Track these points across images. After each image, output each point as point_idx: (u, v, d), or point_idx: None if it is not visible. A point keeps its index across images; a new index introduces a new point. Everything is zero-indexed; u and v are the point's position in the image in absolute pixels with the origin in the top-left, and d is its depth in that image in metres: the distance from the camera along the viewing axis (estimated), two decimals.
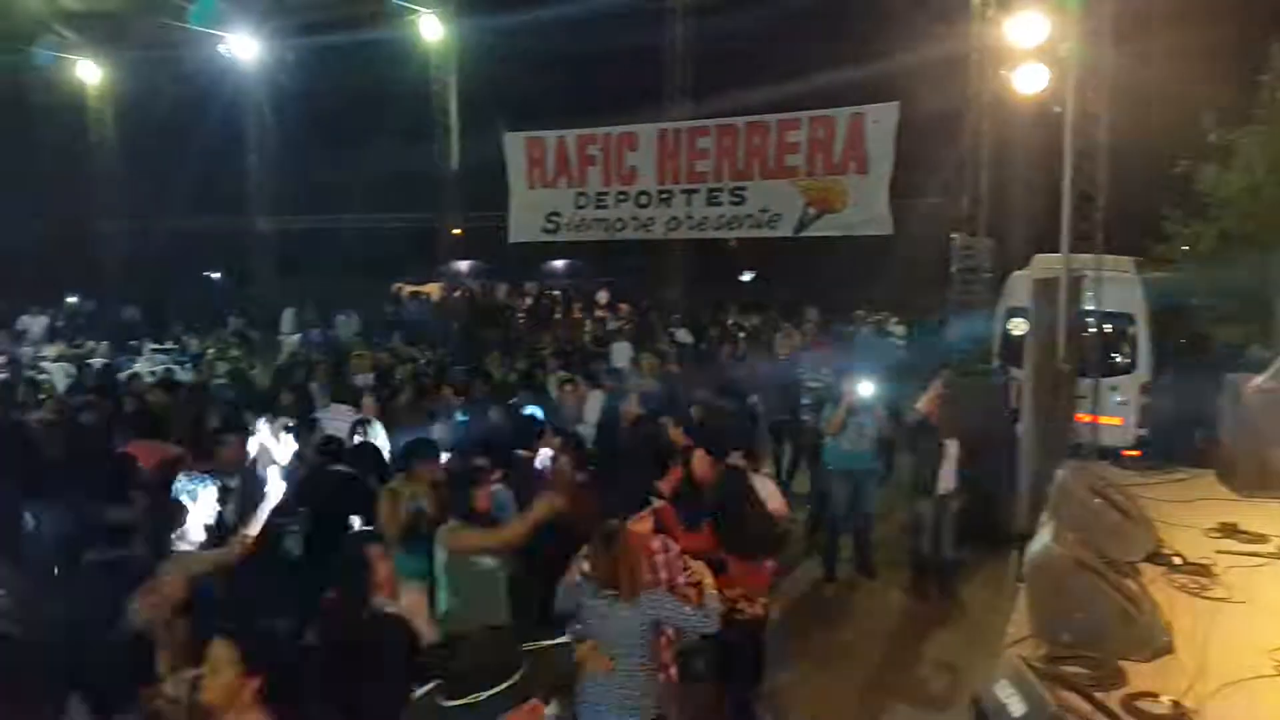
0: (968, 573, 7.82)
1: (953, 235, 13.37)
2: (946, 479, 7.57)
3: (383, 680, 3.50)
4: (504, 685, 2.48)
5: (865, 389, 7.82)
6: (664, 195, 16.54)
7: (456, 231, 20.20)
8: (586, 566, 4.41)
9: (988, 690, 2.54)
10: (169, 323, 19.90)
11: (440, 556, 4.81)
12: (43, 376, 12.72)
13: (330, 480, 5.95)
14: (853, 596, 7.74)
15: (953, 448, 7.59)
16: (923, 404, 7.70)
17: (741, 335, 16.51)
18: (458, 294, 20.81)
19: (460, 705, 2.46)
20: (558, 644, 2.54)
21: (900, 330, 15.62)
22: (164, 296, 21.92)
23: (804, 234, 15.87)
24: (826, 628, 7.11)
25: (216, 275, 27.69)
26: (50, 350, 16.57)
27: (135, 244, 22.64)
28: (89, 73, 21.07)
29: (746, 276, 25.85)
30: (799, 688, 5.96)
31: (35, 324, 17.60)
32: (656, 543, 4.69)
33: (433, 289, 21.64)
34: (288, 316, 19.58)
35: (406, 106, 19.65)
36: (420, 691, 2.62)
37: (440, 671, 2.55)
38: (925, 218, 15.21)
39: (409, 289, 22.60)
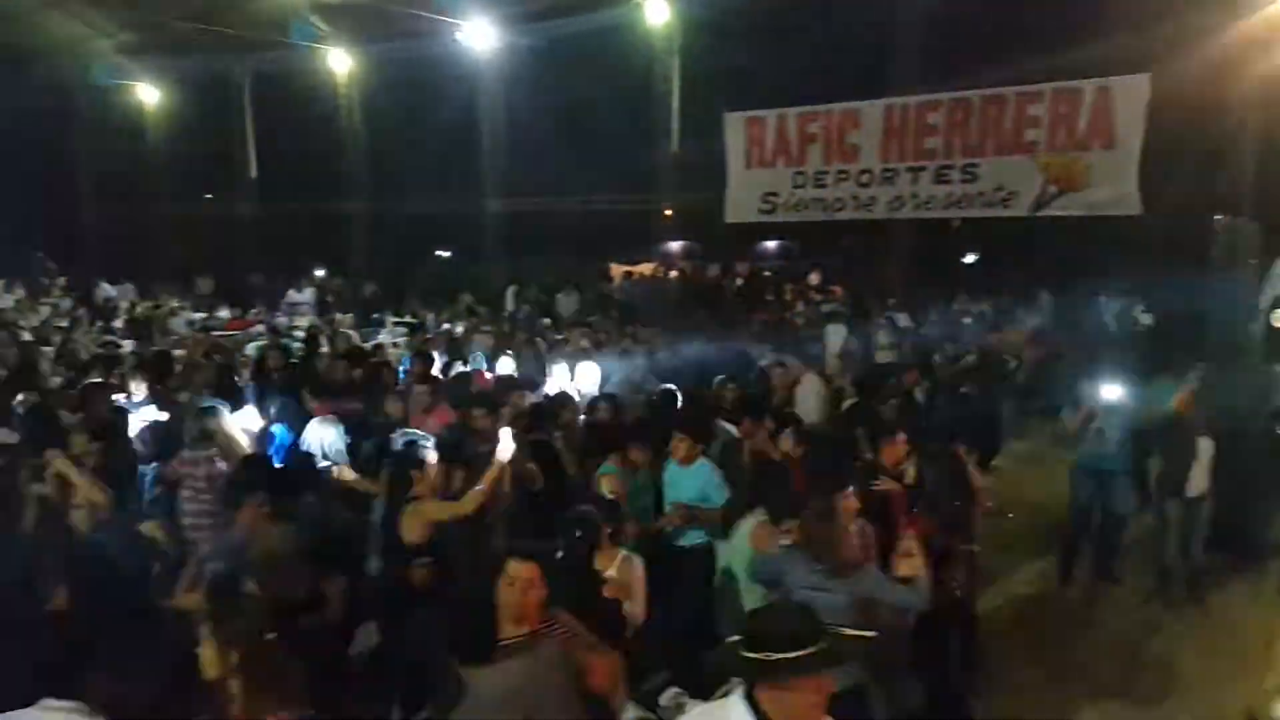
0: (1219, 582, 7.19)
1: (1216, 218, 12.18)
2: (1198, 480, 6.98)
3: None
4: (799, 652, 2.47)
5: (1109, 392, 7.28)
6: (887, 174, 15.99)
7: (668, 212, 20.43)
8: (789, 538, 4.43)
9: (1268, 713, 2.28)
10: (406, 298, 21.35)
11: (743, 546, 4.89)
12: (296, 345, 13.95)
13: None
14: (1089, 601, 7.25)
15: (1206, 447, 6.98)
16: (1176, 400, 7.10)
17: (967, 321, 15.86)
18: (670, 274, 21.05)
19: (757, 659, 2.49)
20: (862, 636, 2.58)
21: (1148, 319, 14.50)
22: (402, 273, 23.50)
23: (1041, 214, 14.92)
24: (1057, 632, 6.69)
25: (447, 254, 29.21)
26: (302, 321, 18.18)
27: (377, 224, 24.31)
28: (339, 62, 22.66)
29: (970, 258, 24.64)
30: (1023, 694, 5.64)
31: (303, 297, 19.23)
32: (855, 525, 4.63)
33: (645, 269, 21.97)
34: (510, 294, 20.53)
35: (629, 90, 20.03)
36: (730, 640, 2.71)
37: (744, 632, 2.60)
38: (1178, 198, 13.97)
39: (621, 268, 23.03)
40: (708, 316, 17.02)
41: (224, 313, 19.19)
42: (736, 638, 2.60)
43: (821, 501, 4.26)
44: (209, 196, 27.69)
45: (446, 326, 16.54)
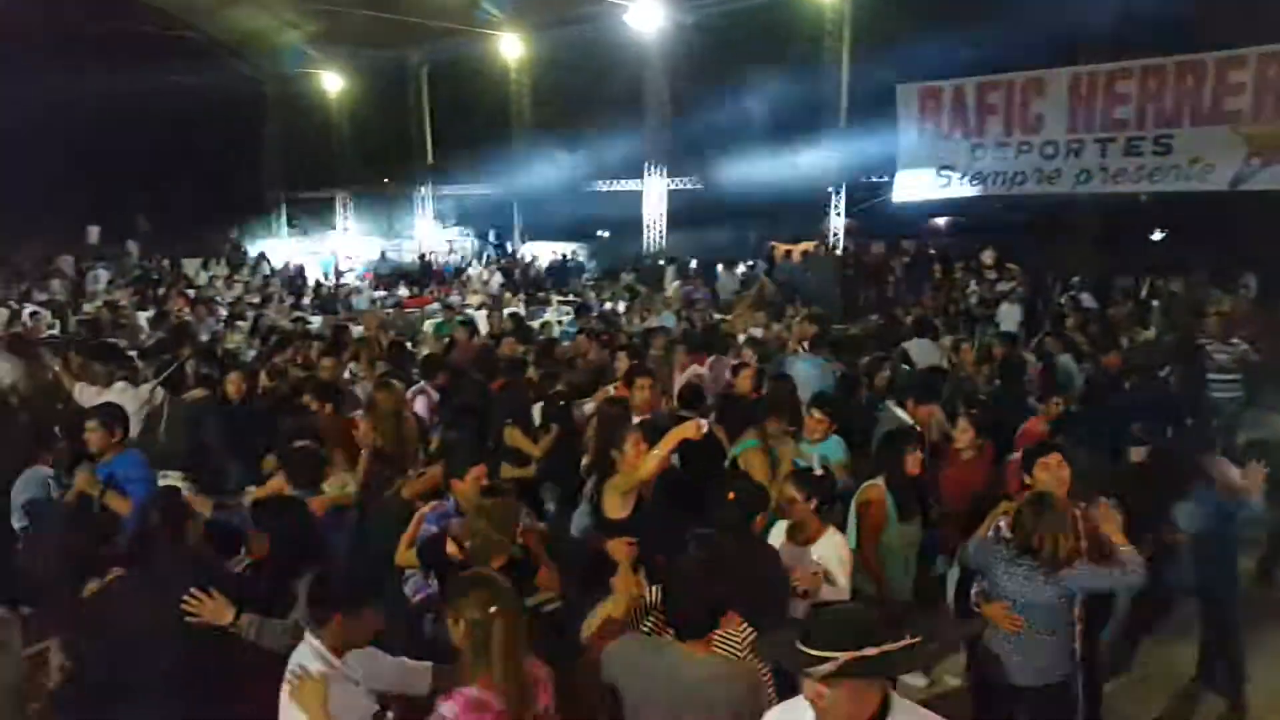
0: None
1: None
2: None
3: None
4: (844, 655, 2.38)
5: None
6: (1074, 145, 15.15)
7: (830, 189, 20.01)
8: (1004, 526, 4.27)
9: None
10: (570, 278, 21.83)
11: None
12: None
13: None
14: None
15: None
16: None
17: (1156, 304, 14.89)
18: (832, 251, 20.63)
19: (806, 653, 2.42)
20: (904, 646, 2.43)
21: None
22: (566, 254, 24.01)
23: (1242, 188, 13.83)
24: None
25: (606, 234, 29.62)
26: (473, 299, 18.84)
27: (545, 205, 24.84)
28: (511, 47, 23.21)
29: (1158, 235, 23.12)
30: None
31: (493, 280, 19.95)
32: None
33: (807, 246, 21.61)
34: (670, 272, 20.63)
35: (796, 64, 19.68)
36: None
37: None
38: None
39: (783, 247, 22.73)
40: (872, 296, 16.63)
41: (402, 290, 20.10)
42: (794, 631, 2.51)
43: (1035, 494, 4.11)
44: (386, 180, 29.00)
45: (609, 305, 16.80)
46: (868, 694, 2.42)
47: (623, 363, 8.22)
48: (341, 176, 28.70)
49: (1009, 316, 13.23)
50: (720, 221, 23.02)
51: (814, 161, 19.60)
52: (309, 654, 3.16)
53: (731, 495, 4.29)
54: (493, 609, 2.98)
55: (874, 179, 18.58)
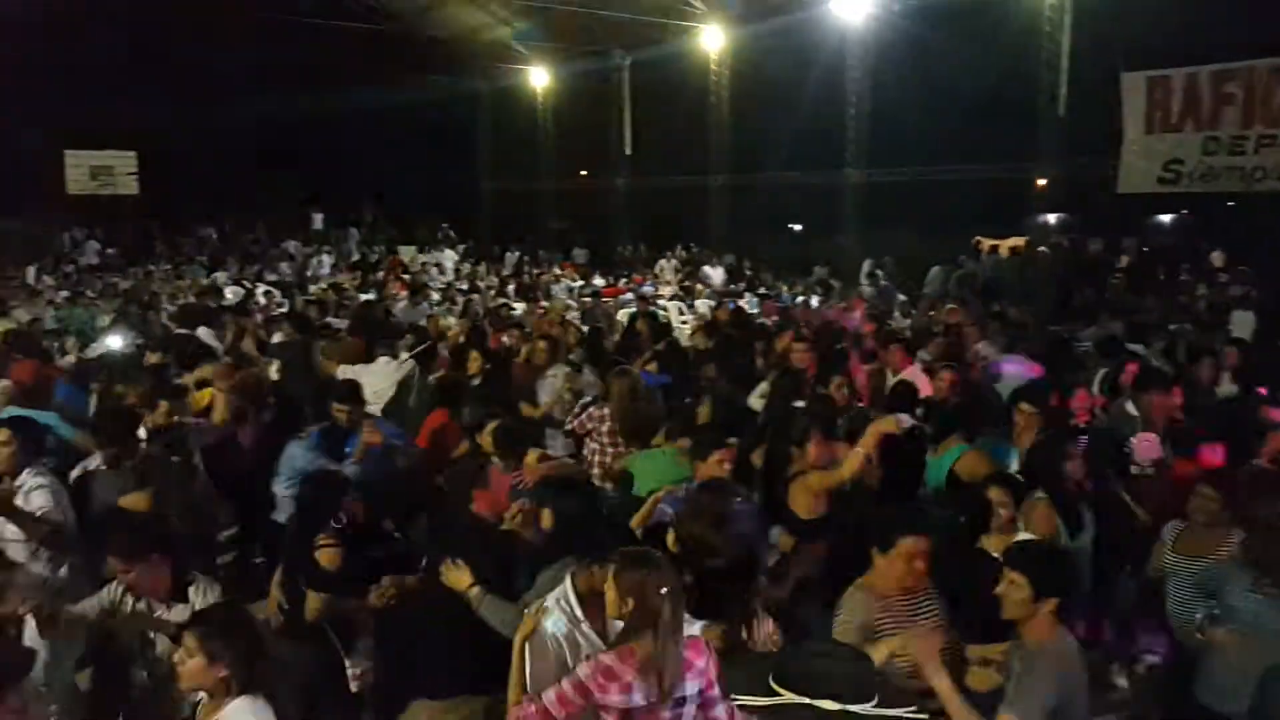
0: None
1: None
2: None
3: None
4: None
5: None
6: None
7: (1041, 183, 18.93)
8: (1239, 549, 3.98)
9: None
10: (761, 270, 21.71)
11: None
12: (661, 313, 14.71)
13: None
14: None
15: None
16: None
17: None
18: (1045, 248, 19.56)
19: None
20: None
21: None
22: (759, 246, 23.92)
23: None
24: None
25: (798, 227, 29.27)
26: (665, 290, 19.09)
27: (739, 197, 24.81)
28: (713, 39, 23.26)
29: None
30: None
31: (715, 273, 20.22)
32: None
33: (1017, 242, 20.58)
34: (866, 268, 20.17)
35: (1008, 51, 18.74)
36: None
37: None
38: None
39: (989, 242, 21.76)
40: (1089, 297, 15.66)
41: (598, 280, 20.60)
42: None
43: (1270, 516, 3.77)
44: (585, 173, 29.78)
45: (800, 299, 16.62)
46: None
47: (801, 357, 8.10)
48: (544, 169, 29.68)
49: (1243, 323, 12.18)
50: (922, 215, 22.28)
51: (1027, 153, 18.63)
52: (563, 622, 3.33)
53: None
54: (663, 590, 3.02)
55: (1093, 172, 17.45)
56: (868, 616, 3.52)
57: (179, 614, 3.93)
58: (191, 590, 4.06)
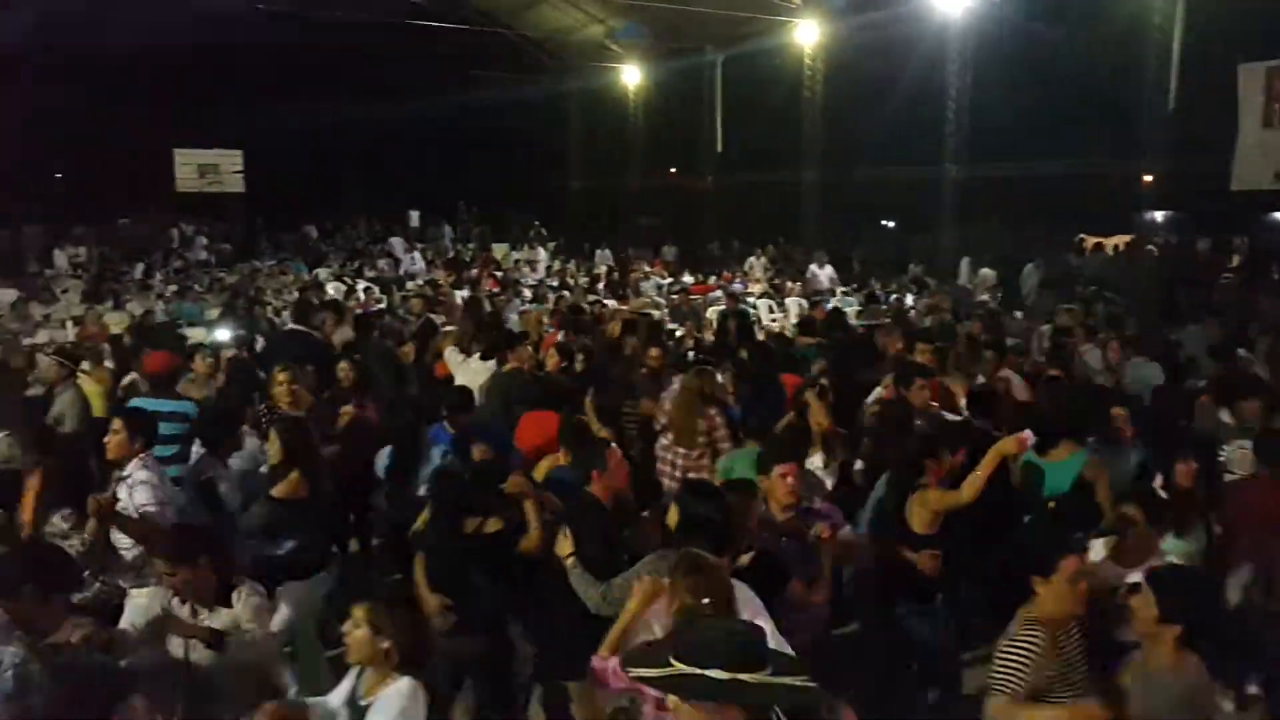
0: None
1: None
2: None
3: None
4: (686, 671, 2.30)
5: None
6: None
7: (1147, 179, 18.22)
8: None
9: None
10: (853, 268, 21.40)
11: None
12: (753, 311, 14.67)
13: None
14: None
15: None
16: None
17: None
18: (1149, 247, 18.85)
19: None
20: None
21: None
22: (853, 242, 23.56)
23: None
24: None
25: (891, 224, 28.77)
26: (755, 288, 18.98)
27: (831, 194, 24.46)
28: (807, 34, 22.93)
29: None
30: None
31: (822, 273, 20.13)
32: None
33: (1121, 240, 19.88)
34: (964, 266, 19.70)
35: (1115, 40, 18.06)
36: None
37: None
38: None
39: (1093, 241, 21.06)
40: (1196, 297, 15.06)
41: (687, 278, 20.57)
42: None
43: None
44: (673, 170, 29.76)
45: (895, 298, 16.33)
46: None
47: (925, 357, 7.93)
48: (633, 168, 29.74)
49: None
50: (1022, 211, 21.64)
51: (1134, 148, 17.95)
52: None
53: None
54: (706, 600, 3.14)
55: (1202, 168, 16.71)
56: (1044, 653, 3.46)
57: (222, 619, 3.94)
58: (235, 596, 4.01)
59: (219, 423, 5.91)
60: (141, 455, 4.93)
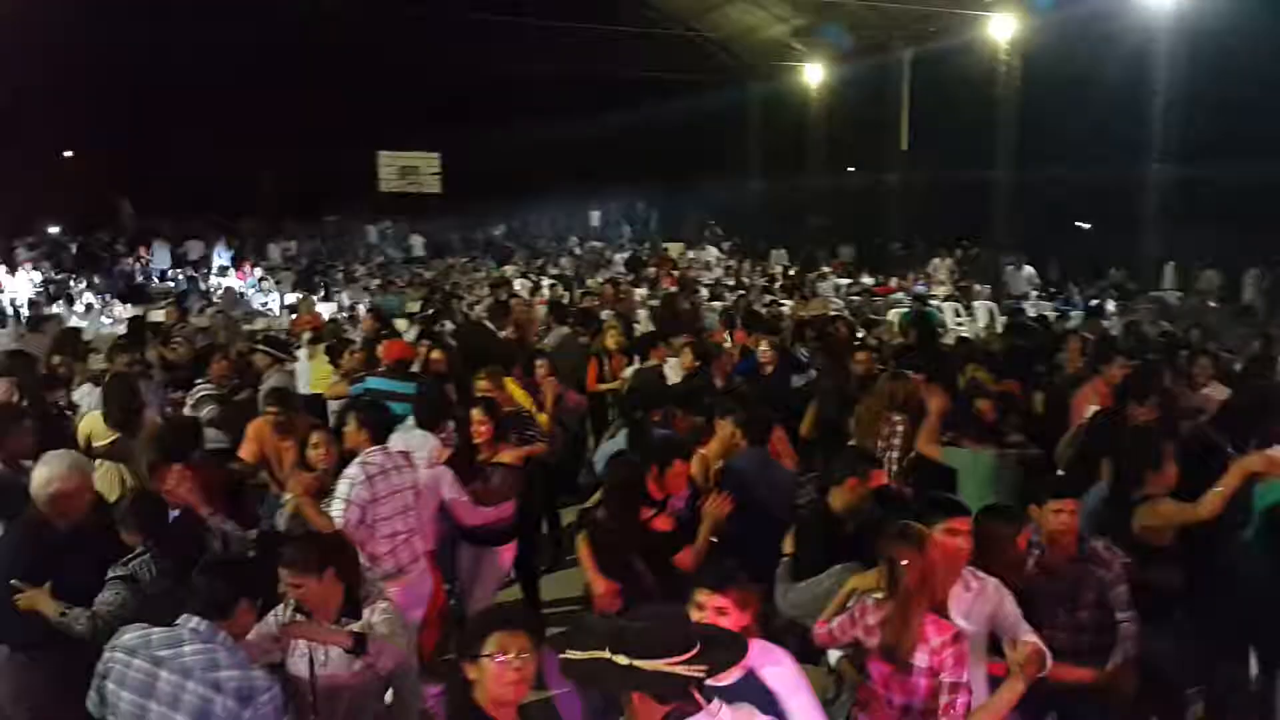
0: None
1: None
2: None
3: None
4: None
5: None
6: None
7: None
8: None
9: None
10: (1048, 270, 20.41)
11: None
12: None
13: None
14: None
15: None
16: None
17: None
18: None
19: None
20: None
21: None
22: (1043, 245, 22.43)
23: None
24: None
25: (1086, 226, 27.20)
26: (939, 290, 18.47)
27: (1023, 194, 23.33)
28: (1002, 28, 21.94)
29: None
30: None
31: (1020, 275, 19.62)
32: None
33: None
34: (1168, 272, 18.53)
35: None
36: None
37: None
38: None
39: None
40: None
41: (867, 279, 20.20)
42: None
43: None
44: (851, 169, 29.14)
45: (1095, 302, 15.55)
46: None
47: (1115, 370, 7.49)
48: (811, 167, 29.31)
49: None
50: (1242, 214, 20.00)
51: None
52: None
53: None
54: (904, 562, 3.29)
55: None
56: None
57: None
58: (366, 609, 3.70)
59: (433, 406, 6.27)
60: (370, 450, 4.91)
